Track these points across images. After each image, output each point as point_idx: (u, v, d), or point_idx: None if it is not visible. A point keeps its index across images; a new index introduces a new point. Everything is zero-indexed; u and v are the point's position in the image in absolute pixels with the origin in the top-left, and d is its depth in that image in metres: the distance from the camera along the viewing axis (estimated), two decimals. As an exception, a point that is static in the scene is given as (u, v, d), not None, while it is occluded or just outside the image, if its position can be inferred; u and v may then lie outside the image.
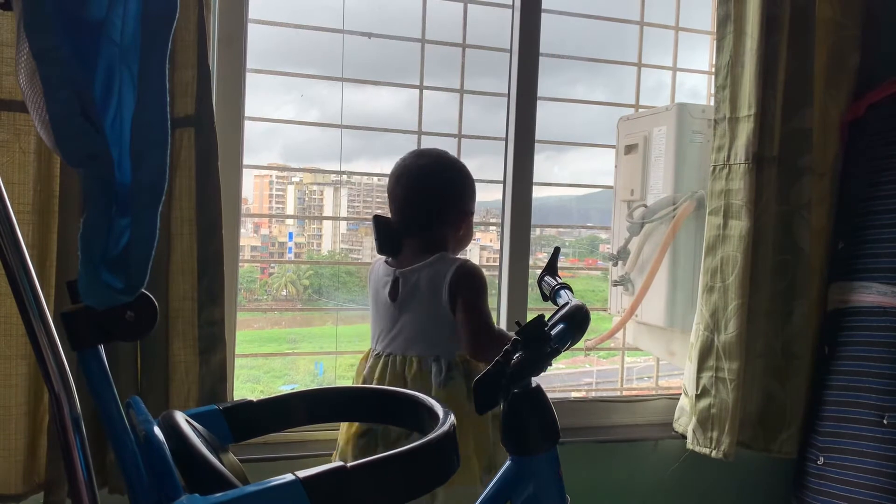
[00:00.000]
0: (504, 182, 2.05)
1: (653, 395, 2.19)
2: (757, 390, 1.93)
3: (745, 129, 1.87)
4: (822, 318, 1.99)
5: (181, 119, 1.52)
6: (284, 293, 4.86)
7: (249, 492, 0.84)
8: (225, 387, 1.59)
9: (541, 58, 2.03)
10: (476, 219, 1.69)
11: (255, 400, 1.18)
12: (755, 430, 1.94)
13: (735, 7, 1.90)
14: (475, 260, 4.05)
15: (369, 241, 4.98)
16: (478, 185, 2.17)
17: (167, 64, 0.80)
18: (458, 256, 1.58)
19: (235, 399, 1.37)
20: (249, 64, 1.79)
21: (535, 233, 2.66)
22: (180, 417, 1.00)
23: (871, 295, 1.86)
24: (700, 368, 1.93)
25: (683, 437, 1.98)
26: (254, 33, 1.81)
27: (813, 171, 1.94)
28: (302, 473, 0.86)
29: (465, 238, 1.60)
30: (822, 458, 1.89)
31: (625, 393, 2.32)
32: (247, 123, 1.80)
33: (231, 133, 1.73)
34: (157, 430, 0.92)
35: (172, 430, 0.96)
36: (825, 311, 1.99)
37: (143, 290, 0.82)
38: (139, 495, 0.88)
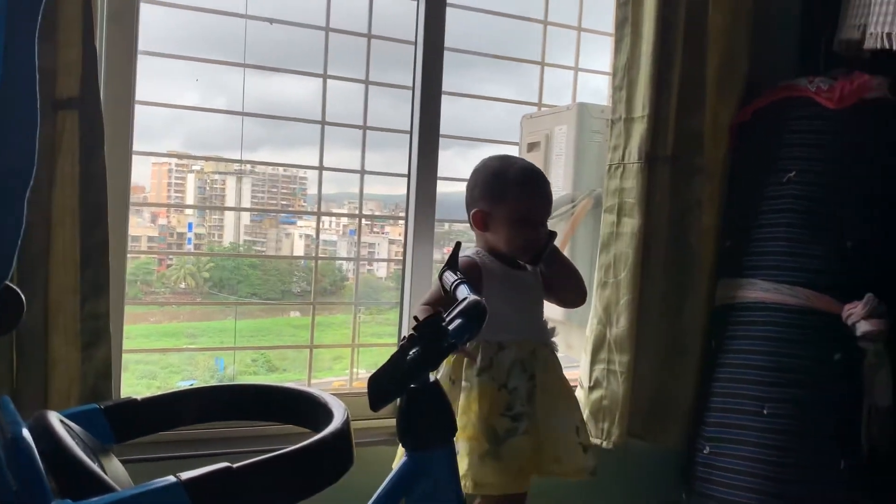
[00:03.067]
0: (409, 176, 2.04)
1: (552, 388, 2.23)
2: (647, 383, 2.00)
3: (639, 130, 1.93)
4: (710, 313, 2.08)
5: (64, 101, 1.43)
6: (183, 286, 4.69)
7: (126, 496, 0.80)
8: (110, 384, 1.51)
9: (448, 53, 2.03)
10: (385, 212, 1.68)
11: (139, 398, 1.14)
12: (645, 421, 2.01)
13: (633, 11, 1.96)
14: (384, 254, 4.02)
15: (274, 234, 4.87)
16: (384, 179, 2.16)
17: (39, 39, 0.74)
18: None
19: (122, 397, 1.31)
20: (145, 46, 1.71)
21: (444, 227, 2.67)
22: (53, 418, 0.95)
23: (755, 291, 1.96)
24: (593, 361, 1.98)
25: (579, 428, 2.03)
26: (153, 15, 1.73)
27: (704, 171, 2.02)
28: (185, 475, 0.82)
29: (492, 236, 1.64)
30: (708, 448, 1.97)
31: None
32: (148, 109, 1.73)
33: (120, 117, 1.65)
34: (25, 432, 0.87)
35: (44, 431, 0.91)
36: (713, 306, 2.08)
37: (8, 283, 0.76)
38: (5, 502, 0.82)
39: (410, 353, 1.08)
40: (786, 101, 1.99)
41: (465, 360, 1.57)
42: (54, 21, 1.41)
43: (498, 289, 1.59)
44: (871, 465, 1.89)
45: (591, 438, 1.96)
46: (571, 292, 1.72)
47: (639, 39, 1.95)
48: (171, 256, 4.69)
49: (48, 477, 0.84)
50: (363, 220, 2.26)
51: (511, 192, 1.61)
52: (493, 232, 1.63)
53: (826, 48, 2.10)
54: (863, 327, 1.80)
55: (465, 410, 1.53)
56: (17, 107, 0.72)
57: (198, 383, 2.70)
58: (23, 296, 0.77)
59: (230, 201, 4.57)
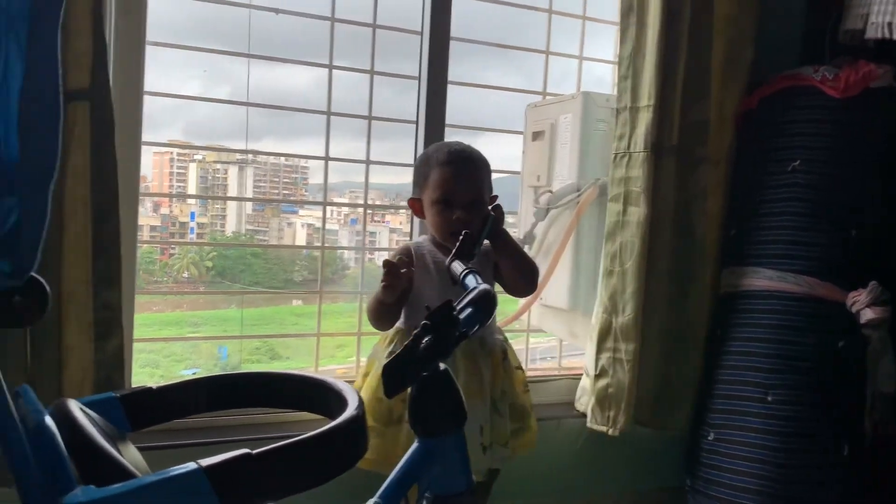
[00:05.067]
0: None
1: (556, 376, 2.25)
2: (653, 371, 2.01)
3: (645, 119, 1.94)
4: (715, 301, 2.09)
5: (75, 92, 1.44)
6: (186, 275, 4.69)
7: (149, 482, 0.82)
8: (122, 374, 1.53)
9: (453, 42, 2.03)
10: (386, 202, 1.70)
11: (154, 387, 1.15)
12: (651, 408, 2.02)
13: (638, -1, 1.96)
14: (384, 243, 4.04)
15: (276, 223, 4.87)
16: (384, 168, 2.17)
17: (59, 34, 0.75)
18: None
19: (134, 386, 1.32)
20: (151, 36, 1.71)
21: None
22: (74, 406, 0.96)
23: (759, 279, 1.97)
24: (599, 350, 1.99)
25: (585, 415, 2.05)
26: (158, 5, 1.73)
27: (709, 160, 2.03)
28: (205, 461, 0.84)
29: (430, 223, 1.64)
30: (712, 434, 1.99)
31: (529, 373, 2.37)
32: (150, 98, 1.73)
33: (129, 108, 1.65)
34: (48, 419, 0.88)
35: (66, 419, 0.92)
36: (718, 294, 2.09)
37: (34, 274, 0.77)
38: (29, 489, 0.84)
39: (423, 341, 1.09)
40: (790, 90, 1.99)
41: (385, 338, 1.62)
42: (65, 13, 1.41)
43: (423, 275, 1.60)
44: (873, 450, 1.91)
45: (597, 426, 1.99)
46: (516, 277, 1.64)
47: (644, 28, 1.95)
48: (173, 246, 4.70)
49: (70, 463, 0.85)
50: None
51: (432, 173, 1.61)
52: (427, 220, 1.64)
53: (831, 37, 2.10)
54: (867, 315, 1.81)
55: (369, 384, 1.59)
56: (40, 101, 0.73)
57: (201, 372, 2.71)
58: (48, 287, 0.78)
59: (232, 191, 4.57)
